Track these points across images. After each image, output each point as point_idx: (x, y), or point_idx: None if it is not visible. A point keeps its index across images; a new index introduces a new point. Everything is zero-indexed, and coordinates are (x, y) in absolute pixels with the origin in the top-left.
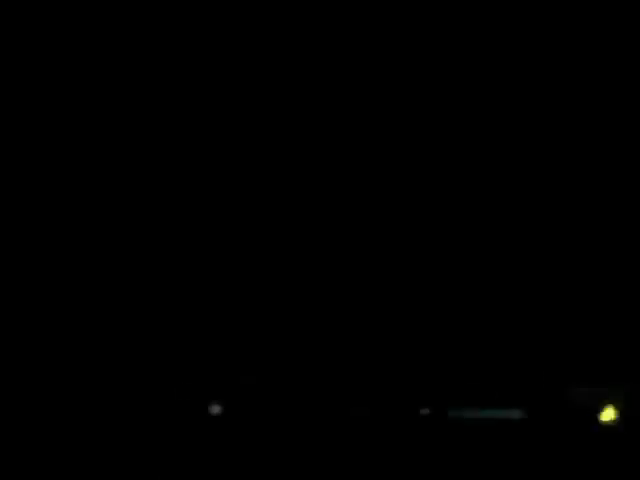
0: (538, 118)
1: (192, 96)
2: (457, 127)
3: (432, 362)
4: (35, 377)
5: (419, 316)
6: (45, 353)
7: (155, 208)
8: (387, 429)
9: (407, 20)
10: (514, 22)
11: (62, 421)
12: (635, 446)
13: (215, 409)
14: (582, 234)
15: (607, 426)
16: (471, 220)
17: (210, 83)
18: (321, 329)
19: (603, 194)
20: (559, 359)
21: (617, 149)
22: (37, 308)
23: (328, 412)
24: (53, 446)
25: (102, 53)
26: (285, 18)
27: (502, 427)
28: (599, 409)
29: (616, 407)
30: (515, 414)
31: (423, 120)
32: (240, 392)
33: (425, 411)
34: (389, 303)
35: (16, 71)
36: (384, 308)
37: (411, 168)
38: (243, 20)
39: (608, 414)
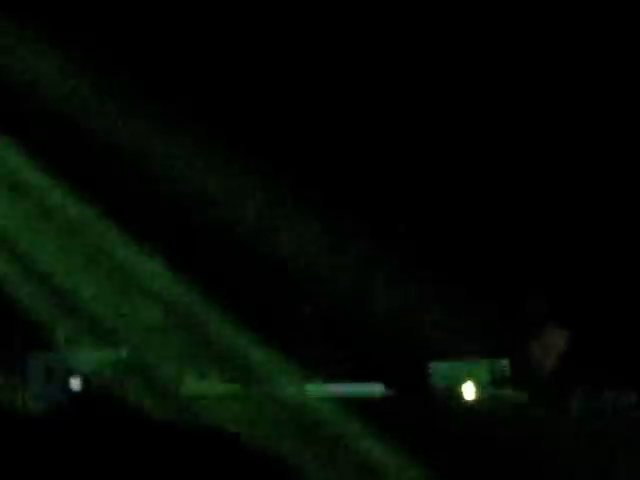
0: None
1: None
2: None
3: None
4: None
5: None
6: None
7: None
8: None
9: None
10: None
11: None
12: (494, 420)
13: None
14: None
15: (468, 401)
16: None
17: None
18: None
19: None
20: (421, 335)
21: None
22: None
23: None
24: None
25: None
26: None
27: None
28: (460, 384)
29: (476, 382)
30: (377, 389)
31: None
32: None
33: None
34: None
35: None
36: None
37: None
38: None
39: (468, 389)
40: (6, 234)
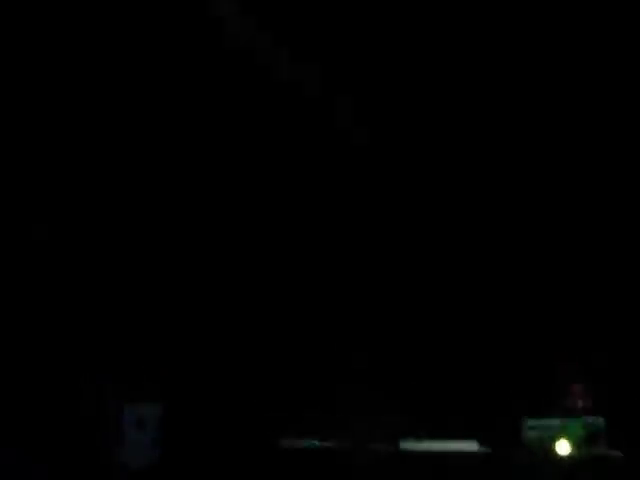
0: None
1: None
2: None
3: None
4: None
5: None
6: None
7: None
8: (343, 462)
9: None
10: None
11: None
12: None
13: None
14: None
15: (561, 459)
16: None
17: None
18: None
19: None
20: (515, 391)
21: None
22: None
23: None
24: None
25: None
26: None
27: (459, 459)
28: (553, 440)
29: (570, 440)
30: (472, 446)
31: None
32: None
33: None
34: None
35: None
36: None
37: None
38: None
39: (562, 446)
40: None
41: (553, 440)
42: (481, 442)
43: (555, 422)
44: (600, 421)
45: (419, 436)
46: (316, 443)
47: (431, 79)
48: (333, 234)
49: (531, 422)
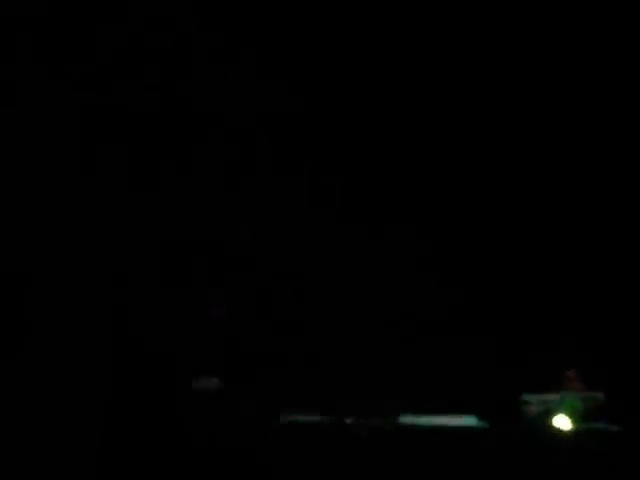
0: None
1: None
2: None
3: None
4: None
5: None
6: None
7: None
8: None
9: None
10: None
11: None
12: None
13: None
14: None
15: (560, 433)
16: None
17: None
18: None
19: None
20: (512, 367)
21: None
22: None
23: None
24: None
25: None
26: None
27: (456, 434)
28: (552, 416)
29: (569, 414)
30: (471, 421)
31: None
32: None
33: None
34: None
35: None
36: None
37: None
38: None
39: (561, 421)
40: None
41: (552, 414)
42: (480, 417)
43: (554, 397)
44: (599, 395)
45: (419, 411)
46: (315, 418)
47: None
48: None
49: (529, 397)
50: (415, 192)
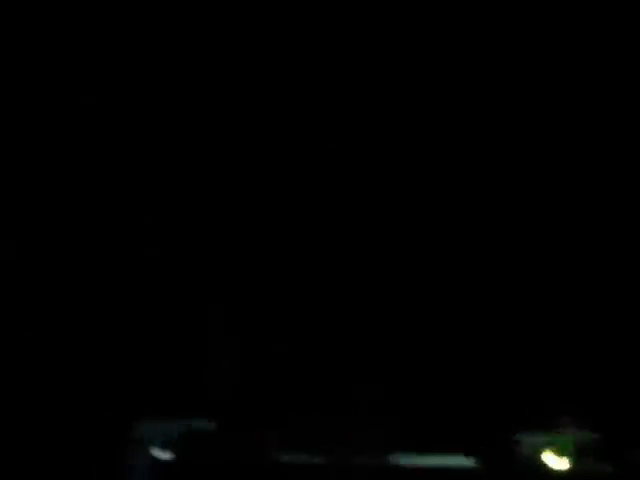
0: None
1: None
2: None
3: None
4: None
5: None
6: None
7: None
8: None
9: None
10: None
11: None
12: None
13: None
14: None
15: (552, 473)
16: None
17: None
18: None
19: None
20: (507, 407)
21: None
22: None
23: None
24: None
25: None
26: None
27: (450, 474)
28: (543, 455)
29: (562, 454)
30: (462, 461)
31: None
32: None
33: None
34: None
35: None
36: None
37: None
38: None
39: (549, 460)
40: None
41: (543, 454)
42: (472, 457)
43: (545, 437)
44: (590, 436)
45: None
46: (302, 457)
47: None
48: None
49: (521, 436)
50: None
